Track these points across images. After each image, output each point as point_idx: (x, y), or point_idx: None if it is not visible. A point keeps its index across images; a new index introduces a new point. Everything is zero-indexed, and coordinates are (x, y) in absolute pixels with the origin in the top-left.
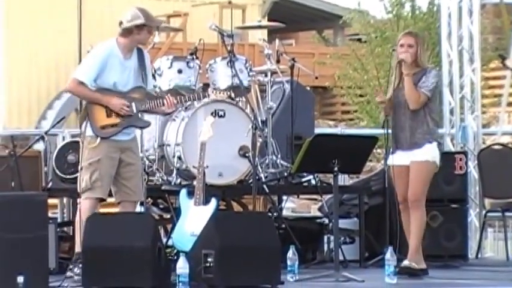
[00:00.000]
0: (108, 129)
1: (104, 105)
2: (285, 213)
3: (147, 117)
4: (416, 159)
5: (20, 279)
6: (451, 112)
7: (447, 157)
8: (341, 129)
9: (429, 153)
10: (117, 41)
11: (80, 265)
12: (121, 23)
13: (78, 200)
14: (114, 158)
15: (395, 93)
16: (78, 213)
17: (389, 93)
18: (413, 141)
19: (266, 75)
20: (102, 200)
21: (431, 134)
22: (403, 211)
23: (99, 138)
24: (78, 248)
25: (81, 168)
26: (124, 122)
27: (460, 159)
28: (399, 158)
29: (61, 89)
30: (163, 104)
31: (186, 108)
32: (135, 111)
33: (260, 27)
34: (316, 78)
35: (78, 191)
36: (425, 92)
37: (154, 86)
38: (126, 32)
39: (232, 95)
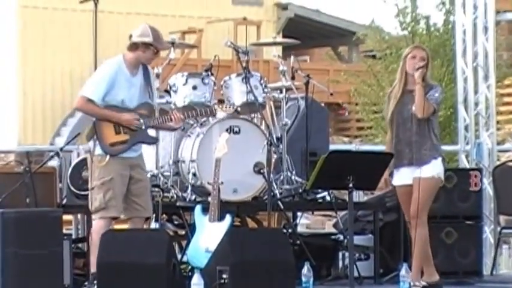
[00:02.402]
0: (117, 146)
1: (113, 122)
2: (299, 229)
3: (162, 134)
4: (422, 176)
5: None
6: (466, 129)
7: (462, 174)
8: (356, 146)
9: (435, 169)
10: (123, 57)
11: (96, 287)
12: (130, 36)
13: (93, 217)
14: (125, 176)
15: (398, 109)
16: (92, 233)
17: (390, 111)
18: (419, 157)
19: (281, 92)
20: (115, 218)
21: (437, 149)
22: (413, 229)
23: (108, 156)
24: (93, 269)
25: (93, 188)
26: (133, 139)
27: (475, 176)
28: (403, 177)
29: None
30: (171, 120)
31: (201, 124)
32: (143, 127)
33: (275, 43)
34: (331, 94)
35: (91, 210)
36: (433, 103)
37: (169, 102)
38: (134, 47)
39: (239, 109)
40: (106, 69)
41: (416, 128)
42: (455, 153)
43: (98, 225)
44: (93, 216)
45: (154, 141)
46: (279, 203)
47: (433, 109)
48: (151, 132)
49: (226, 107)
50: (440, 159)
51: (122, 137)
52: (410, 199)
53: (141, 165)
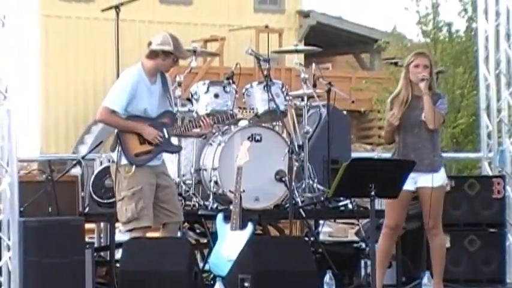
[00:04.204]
0: (142, 156)
1: (137, 133)
2: (321, 237)
3: (184, 142)
4: (430, 185)
5: None
6: (489, 136)
7: (485, 181)
8: (378, 153)
9: (444, 177)
10: (142, 64)
11: None
12: (150, 43)
13: (124, 228)
14: (153, 184)
15: (406, 114)
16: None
17: (397, 117)
18: (428, 164)
19: (303, 100)
20: (147, 227)
21: (442, 157)
22: (389, 237)
23: (134, 166)
24: None
25: (122, 198)
26: (157, 148)
27: (498, 183)
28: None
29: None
30: (200, 126)
31: (222, 132)
32: (167, 136)
33: (297, 51)
34: (353, 102)
35: (121, 221)
36: (443, 114)
37: (191, 111)
38: (153, 55)
39: (259, 113)
40: (127, 78)
41: (427, 134)
42: (478, 161)
43: (133, 236)
44: (124, 227)
45: (177, 149)
46: (301, 211)
47: (443, 119)
48: (175, 140)
49: (246, 112)
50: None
51: (146, 147)
52: (403, 206)
53: (165, 172)
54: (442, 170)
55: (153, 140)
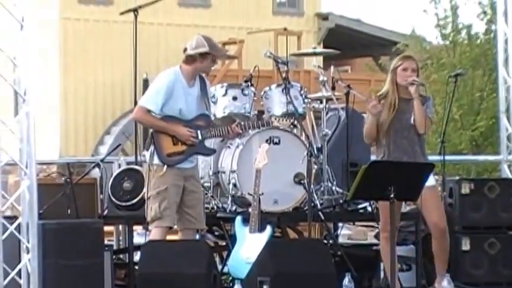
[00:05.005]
0: (174, 157)
1: (171, 134)
2: (340, 240)
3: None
4: (428, 184)
5: None
6: (508, 138)
7: (504, 184)
8: None
9: (433, 179)
10: (180, 68)
11: None
12: (185, 49)
13: (150, 227)
14: (179, 186)
15: (395, 117)
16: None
17: (386, 119)
18: None
19: (321, 102)
20: (170, 228)
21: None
22: (386, 240)
23: (165, 166)
24: None
25: (149, 197)
26: (190, 150)
27: None
28: None
29: (117, 116)
30: (229, 133)
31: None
32: (200, 138)
33: (315, 54)
34: None
35: (147, 220)
36: (431, 117)
37: None
38: (190, 59)
39: (296, 122)
40: (163, 79)
41: (415, 137)
42: (497, 163)
43: (155, 235)
44: (150, 226)
45: (211, 152)
46: (320, 213)
47: (430, 122)
48: (209, 143)
49: (283, 121)
50: None
51: (180, 148)
52: (399, 208)
53: (195, 177)
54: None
55: (186, 141)
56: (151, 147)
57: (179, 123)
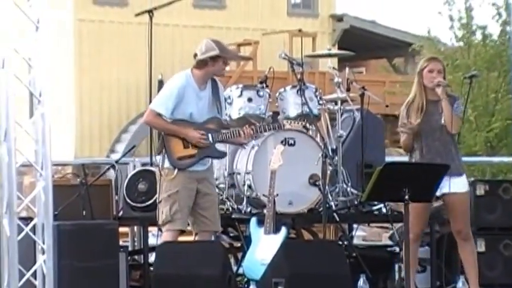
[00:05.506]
0: (185, 160)
1: (181, 137)
2: (355, 241)
3: (218, 146)
4: (460, 190)
5: None
6: None
7: None
8: None
9: (467, 182)
10: (192, 72)
11: None
12: (195, 55)
13: (163, 230)
14: (192, 189)
15: (424, 120)
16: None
17: (416, 123)
18: (455, 167)
19: (336, 104)
20: (182, 231)
21: (462, 161)
22: (414, 242)
23: (176, 170)
24: None
25: (160, 201)
26: (201, 153)
27: None
28: None
29: (133, 117)
30: (240, 135)
31: (255, 136)
32: (212, 142)
33: (330, 55)
34: (387, 106)
35: (159, 223)
36: (461, 116)
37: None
38: (201, 64)
39: (308, 125)
40: (175, 83)
41: (446, 138)
42: None
43: (166, 238)
44: (163, 229)
45: (222, 155)
46: (335, 215)
47: (461, 122)
48: (220, 146)
49: (294, 123)
50: None
51: (190, 151)
52: (427, 210)
53: (209, 179)
54: (464, 175)
55: (197, 144)
56: (163, 151)
57: (190, 127)
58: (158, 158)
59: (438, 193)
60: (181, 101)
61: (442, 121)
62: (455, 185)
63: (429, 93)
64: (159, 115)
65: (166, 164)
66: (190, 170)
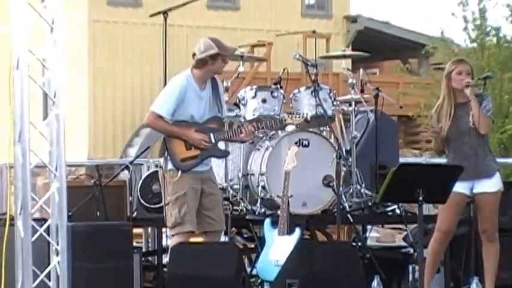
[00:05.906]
0: (188, 161)
1: (183, 139)
2: (369, 242)
3: (231, 147)
4: (489, 190)
5: None
6: None
7: None
8: (426, 159)
9: (499, 182)
10: (192, 73)
11: None
12: (194, 54)
13: (171, 233)
14: (197, 190)
15: (454, 123)
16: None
17: (446, 127)
18: (483, 170)
19: (350, 105)
20: (191, 232)
21: (496, 162)
22: (441, 242)
23: (180, 172)
24: None
25: (168, 203)
26: (204, 153)
27: None
28: (458, 187)
29: None
30: (241, 133)
31: (270, 137)
32: (214, 141)
33: (344, 56)
34: (401, 107)
35: (168, 226)
36: (490, 115)
37: (238, 116)
38: (201, 63)
39: (309, 118)
40: (175, 84)
41: (477, 140)
42: None
43: (177, 240)
44: (171, 232)
45: (224, 154)
46: (349, 216)
47: (491, 121)
48: (222, 145)
49: (295, 118)
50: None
51: (193, 152)
52: (458, 209)
53: (211, 179)
54: (497, 174)
55: (199, 145)
56: (165, 153)
57: (191, 128)
58: (161, 160)
59: (469, 193)
60: (182, 102)
61: (471, 123)
62: (484, 186)
63: (458, 95)
64: (160, 117)
65: (170, 166)
66: (194, 170)
